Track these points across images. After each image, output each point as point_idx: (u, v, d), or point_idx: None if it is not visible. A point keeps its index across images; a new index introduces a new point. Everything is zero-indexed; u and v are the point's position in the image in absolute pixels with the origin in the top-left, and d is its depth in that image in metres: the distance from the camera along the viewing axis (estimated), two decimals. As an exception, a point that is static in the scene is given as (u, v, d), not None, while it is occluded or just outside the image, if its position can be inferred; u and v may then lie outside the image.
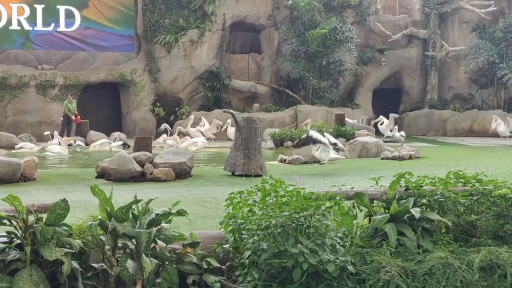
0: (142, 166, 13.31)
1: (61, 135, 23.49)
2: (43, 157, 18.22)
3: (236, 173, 13.73)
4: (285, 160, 16.43)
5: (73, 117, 24.84)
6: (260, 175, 12.74)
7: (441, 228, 6.45)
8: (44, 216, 5.26)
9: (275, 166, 15.13)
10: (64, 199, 5.24)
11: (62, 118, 25.07)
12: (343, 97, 32.27)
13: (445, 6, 32.66)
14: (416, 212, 6.19)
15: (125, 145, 21.42)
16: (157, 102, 28.82)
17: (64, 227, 5.23)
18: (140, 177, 13.08)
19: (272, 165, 15.58)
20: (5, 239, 5.17)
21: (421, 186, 6.73)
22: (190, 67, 29.06)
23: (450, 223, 6.35)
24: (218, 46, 29.68)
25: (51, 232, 5.05)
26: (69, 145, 21.54)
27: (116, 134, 23.90)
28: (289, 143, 22.68)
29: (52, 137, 21.99)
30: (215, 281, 5.49)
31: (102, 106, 29.21)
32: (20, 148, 21.03)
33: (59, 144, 20.68)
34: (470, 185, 6.96)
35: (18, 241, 5.12)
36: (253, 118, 14.36)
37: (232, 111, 15.78)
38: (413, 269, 5.76)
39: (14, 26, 27.80)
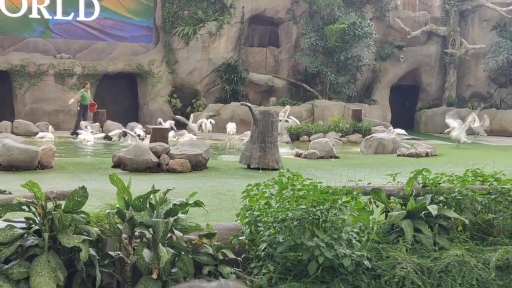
0: (158, 157, 13.35)
1: (78, 124, 23.61)
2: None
3: (251, 166, 13.73)
4: (301, 154, 16.40)
5: (91, 102, 24.93)
6: (275, 169, 12.74)
7: (458, 226, 6.42)
8: (63, 203, 5.29)
9: (291, 160, 15.12)
10: (83, 186, 5.27)
11: (78, 108, 25.14)
12: (361, 93, 32.13)
13: (465, 4, 32.39)
14: (433, 209, 6.16)
15: (106, 138, 21.55)
16: (174, 94, 28.85)
17: (82, 215, 5.26)
18: (156, 168, 13.12)
19: (288, 159, 15.57)
20: (23, 225, 5.20)
21: (439, 183, 6.70)
22: (207, 59, 29.07)
23: (467, 221, 6.32)
24: (236, 39, 29.66)
25: (69, 219, 5.08)
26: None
27: (95, 125, 23.49)
28: (305, 137, 22.69)
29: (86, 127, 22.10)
30: (231, 273, 5.51)
31: (119, 96, 29.29)
32: (42, 137, 21.19)
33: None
34: (488, 183, 6.92)
35: (37, 227, 5.16)
36: (270, 112, 14.35)
37: (249, 104, 15.75)
38: (429, 266, 5.74)
39: (34, 14, 27.93)
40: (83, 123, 22.36)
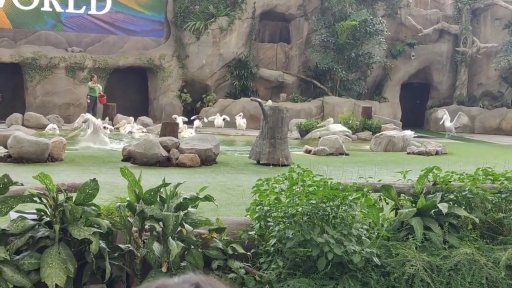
0: (168, 151, 13.38)
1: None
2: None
3: (261, 162, 13.74)
4: (310, 150, 16.40)
5: (101, 95, 24.95)
6: (285, 165, 12.74)
7: (468, 224, 6.40)
8: (74, 195, 5.31)
9: (300, 157, 15.12)
10: (94, 179, 5.28)
11: (88, 100, 25.18)
12: (371, 90, 32.07)
13: (478, 2, 32.23)
14: (443, 207, 6.15)
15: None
16: (184, 88, 28.89)
17: (93, 207, 5.28)
18: (166, 162, 13.16)
19: (297, 155, 15.57)
20: (35, 217, 5.23)
21: (449, 182, 6.68)
22: (218, 55, 29.09)
23: (477, 220, 6.29)
24: (247, 35, 29.65)
25: (80, 211, 5.10)
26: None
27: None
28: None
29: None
30: (240, 267, 5.51)
31: (129, 90, 29.36)
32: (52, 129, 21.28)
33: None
34: (499, 182, 6.90)
35: (48, 219, 5.18)
36: (280, 108, 14.35)
37: (259, 99, 15.76)
38: (439, 264, 5.73)
39: (46, 7, 28.01)
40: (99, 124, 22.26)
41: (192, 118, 24.48)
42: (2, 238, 4.96)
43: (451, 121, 25.56)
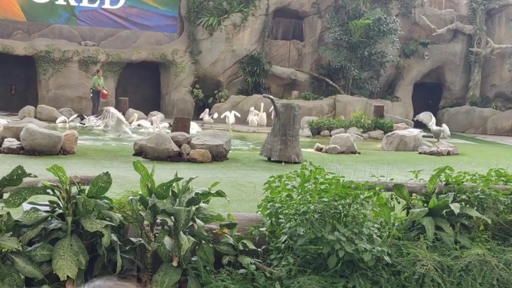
0: (179, 146, 13.41)
1: (95, 111, 23.85)
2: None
3: (272, 159, 13.74)
4: (321, 148, 16.38)
5: (104, 91, 24.89)
6: (296, 162, 12.73)
7: (480, 225, 6.38)
8: (86, 188, 5.33)
9: (312, 154, 15.10)
10: (107, 172, 5.30)
11: (91, 94, 25.14)
12: (383, 89, 31.99)
13: (493, 2, 32.06)
14: (455, 207, 6.13)
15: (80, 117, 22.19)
16: (197, 84, 28.93)
17: (106, 200, 5.30)
18: (177, 157, 13.18)
19: (309, 153, 15.55)
20: (47, 208, 5.25)
21: (462, 182, 6.66)
22: (231, 51, 29.10)
23: (489, 221, 6.27)
24: (260, 31, 29.64)
25: (92, 204, 5.12)
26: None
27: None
28: (326, 132, 22.64)
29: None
30: (250, 263, 5.51)
31: (142, 85, 29.45)
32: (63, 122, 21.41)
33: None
34: (511, 183, 6.87)
35: (60, 211, 5.20)
36: (292, 105, 14.33)
37: (271, 96, 15.75)
38: (450, 265, 5.71)
39: (60, 1, 28.14)
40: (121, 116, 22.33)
41: (200, 116, 24.50)
42: (15, 229, 4.99)
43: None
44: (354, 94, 29.56)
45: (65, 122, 21.47)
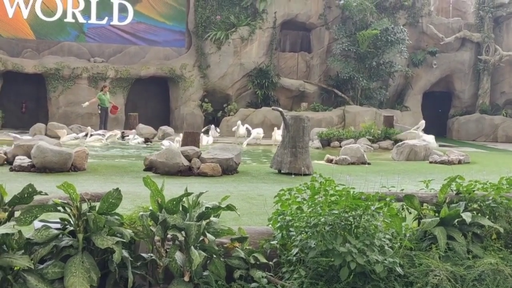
0: (190, 160, 13.43)
1: (103, 127, 24.03)
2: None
3: (282, 171, 13.73)
4: (332, 160, 16.35)
5: (112, 106, 25.21)
6: (306, 174, 12.72)
7: (492, 234, 6.34)
8: (97, 205, 5.35)
9: (322, 166, 15.08)
10: (117, 188, 5.32)
11: (99, 111, 25.34)
12: (392, 99, 31.95)
13: (500, 10, 32.02)
14: (467, 216, 6.09)
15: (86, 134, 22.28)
16: (206, 98, 29.00)
17: (116, 216, 5.31)
18: (187, 171, 13.20)
19: (319, 164, 15.53)
20: (58, 226, 5.27)
21: (473, 191, 6.63)
22: (239, 64, 29.17)
23: (501, 230, 6.23)
24: (268, 44, 29.71)
25: (103, 220, 5.13)
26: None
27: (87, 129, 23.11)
28: (336, 143, 22.59)
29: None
30: (262, 277, 5.51)
31: (151, 100, 29.56)
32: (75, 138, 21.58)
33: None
34: (523, 192, 6.83)
35: (71, 228, 5.22)
36: (301, 117, 14.33)
37: (280, 109, 15.76)
38: (462, 274, 5.67)
39: (69, 18, 28.34)
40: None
41: (203, 130, 24.57)
42: (26, 247, 5.01)
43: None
44: (363, 105, 29.53)
45: (76, 139, 21.63)
